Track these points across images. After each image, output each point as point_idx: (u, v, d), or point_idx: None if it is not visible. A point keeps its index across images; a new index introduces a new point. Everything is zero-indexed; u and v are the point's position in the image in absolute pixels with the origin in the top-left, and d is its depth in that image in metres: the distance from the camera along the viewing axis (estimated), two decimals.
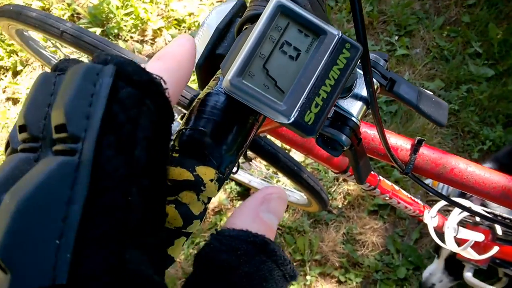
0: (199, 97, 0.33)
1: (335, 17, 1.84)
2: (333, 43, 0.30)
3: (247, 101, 0.30)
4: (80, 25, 1.79)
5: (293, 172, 0.98)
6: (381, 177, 0.87)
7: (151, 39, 1.83)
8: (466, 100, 1.68)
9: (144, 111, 0.21)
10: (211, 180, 0.30)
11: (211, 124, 0.31)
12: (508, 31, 1.74)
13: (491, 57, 1.74)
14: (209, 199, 0.31)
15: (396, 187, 0.93)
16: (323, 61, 0.30)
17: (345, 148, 0.42)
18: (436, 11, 1.85)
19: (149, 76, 0.22)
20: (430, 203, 1.03)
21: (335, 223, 1.59)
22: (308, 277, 1.51)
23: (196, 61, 0.40)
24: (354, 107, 0.43)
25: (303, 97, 0.30)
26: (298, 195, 1.41)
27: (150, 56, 1.79)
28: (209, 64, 0.40)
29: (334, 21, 1.83)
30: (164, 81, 0.23)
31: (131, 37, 1.82)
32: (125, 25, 1.81)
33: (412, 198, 0.97)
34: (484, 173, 0.57)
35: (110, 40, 1.75)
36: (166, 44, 1.80)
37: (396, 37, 1.81)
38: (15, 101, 1.74)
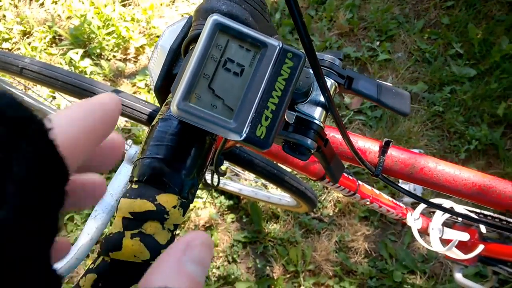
0: (152, 123, 0.33)
1: (316, 26, 1.85)
2: (275, 55, 0.30)
3: (198, 123, 0.29)
4: (62, 47, 1.80)
5: (274, 176, 0.97)
6: (360, 182, 0.87)
7: (133, 57, 1.83)
8: (450, 101, 1.69)
9: (17, 156, 0.16)
10: (174, 207, 0.30)
11: (167, 150, 0.31)
12: (487, 31, 1.75)
13: (472, 57, 1.75)
14: (176, 225, 0.30)
15: (377, 191, 0.92)
16: (267, 73, 0.30)
17: (312, 151, 0.42)
18: (416, 14, 1.87)
19: (27, 113, 0.18)
20: (415, 206, 1.03)
21: (327, 231, 1.58)
22: None
23: (154, 83, 0.40)
24: (315, 110, 0.43)
25: (252, 112, 0.29)
26: (288, 198, 1.40)
27: (133, 74, 1.79)
28: (166, 85, 0.39)
29: (315, 30, 1.84)
30: (50, 121, 0.18)
31: (114, 56, 1.82)
32: (107, 45, 1.81)
33: (394, 201, 0.96)
34: (454, 171, 0.56)
35: (92, 60, 1.76)
36: (149, 61, 1.80)
37: (378, 43, 1.82)
38: None
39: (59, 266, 0.34)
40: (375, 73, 1.76)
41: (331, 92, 0.44)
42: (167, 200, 0.30)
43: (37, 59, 0.83)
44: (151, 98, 1.71)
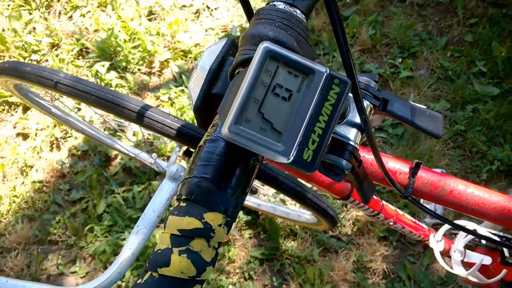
0: (199, 144, 0.34)
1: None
2: (322, 81, 0.31)
3: (247, 146, 0.30)
4: (89, 59, 1.85)
5: (297, 193, 0.97)
6: (384, 202, 0.87)
7: (158, 71, 1.87)
8: (472, 120, 1.67)
9: None
10: (220, 225, 0.31)
11: (214, 170, 0.32)
12: (511, 49, 1.74)
13: (496, 76, 1.73)
14: (219, 243, 0.32)
15: (400, 212, 0.91)
16: (315, 98, 0.31)
17: (347, 172, 0.42)
18: (439, 31, 1.87)
19: None
20: (437, 227, 1.02)
21: (345, 250, 1.57)
22: None
23: (194, 103, 0.41)
24: (350, 132, 0.44)
25: (299, 136, 0.30)
26: (308, 215, 1.40)
27: (157, 88, 1.82)
28: (206, 104, 0.41)
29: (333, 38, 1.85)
30: None
31: (139, 69, 1.85)
32: (132, 58, 1.85)
33: (417, 222, 0.95)
34: (483, 194, 0.56)
35: (118, 73, 1.79)
36: (173, 75, 1.83)
37: (400, 59, 1.82)
38: (25, 137, 1.78)
39: (102, 279, 0.35)
40: (397, 90, 1.75)
41: (367, 114, 0.45)
42: (214, 218, 0.31)
43: (70, 74, 0.85)
44: (174, 111, 1.74)
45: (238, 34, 1.90)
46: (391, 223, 0.92)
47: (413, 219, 0.99)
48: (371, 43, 1.83)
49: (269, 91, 0.31)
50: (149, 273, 0.30)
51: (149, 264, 0.30)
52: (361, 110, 0.38)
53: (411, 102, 0.47)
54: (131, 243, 0.36)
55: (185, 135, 0.82)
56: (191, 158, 0.34)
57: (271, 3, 0.37)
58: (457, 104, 1.72)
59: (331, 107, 0.30)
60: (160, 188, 0.39)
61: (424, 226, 1.01)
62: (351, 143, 0.42)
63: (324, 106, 0.30)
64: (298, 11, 0.36)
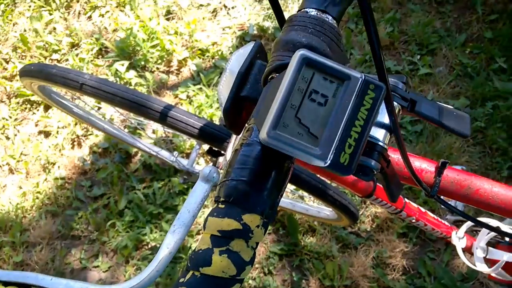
0: (235, 148, 0.35)
1: (356, 39, 1.86)
2: (358, 86, 0.32)
3: (285, 150, 0.31)
4: (108, 59, 1.87)
5: (318, 190, 0.98)
6: (406, 200, 0.87)
7: (176, 70, 1.88)
8: (492, 117, 1.66)
9: None
10: (257, 226, 0.33)
11: (251, 173, 0.33)
12: None
13: None
14: (257, 244, 0.33)
15: (423, 209, 0.92)
16: (351, 103, 0.32)
17: (376, 172, 0.43)
18: (458, 28, 1.85)
19: None
20: (459, 224, 1.02)
21: (364, 247, 1.57)
22: None
23: (223, 105, 0.42)
24: (379, 133, 0.45)
25: (336, 140, 0.31)
26: (328, 211, 1.41)
27: (175, 86, 1.84)
28: (235, 106, 0.42)
29: (355, 43, 1.85)
30: None
31: (157, 68, 1.88)
32: (151, 57, 1.87)
33: (439, 219, 0.95)
34: (509, 193, 0.56)
35: (137, 72, 1.82)
36: (191, 74, 1.85)
37: (418, 56, 1.81)
38: (47, 134, 1.82)
39: (141, 277, 0.37)
40: (415, 87, 1.74)
41: (396, 115, 0.46)
42: (252, 219, 0.32)
43: (95, 76, 0.87)
44: (192, 109, 1.76)
45: (255, 32, 1.91)
46: (413, 221, 0.92)
47: (435, 216, 0.99)
48: (389, 40, 1.82)
49: (305, 97, 0.31)
50: (191, 272, 0.31)
51: (191, 264, 0.32)
52: (391, 112, 0.39)
53: (438, 103, 0.48)
54: (168, 242, 0.37)
55: (208, 134, 0.83)
56: (228, 161, 0.35)
57: (303, 10, 0.38)
58: (477, 101, 1.70)
59: (367, 111, 0.31)
60: (194, 189, 0.40)
61: (446, 223, 1.01)
62: (380, 143, 0.43)
63: (360, 111, 0.31)
64: (330, 17, 0.37)
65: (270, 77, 0.37)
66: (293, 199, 1.55)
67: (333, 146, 0.31)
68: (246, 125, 0.37)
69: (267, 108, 0.32)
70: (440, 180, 0.56)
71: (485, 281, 1.49)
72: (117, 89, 0.82)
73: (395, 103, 0.46)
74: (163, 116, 0.81)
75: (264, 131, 0.31)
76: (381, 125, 0.44)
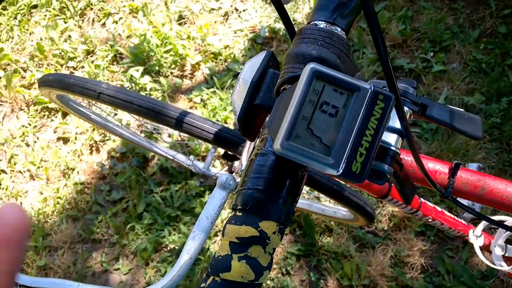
0: (250, 157, 0.37)
1: (368, 38, 1.86)
2: (367, 97, 0.33)
3: (299, 160, 0.33)
4: (123, 65, 1.91)
5: (334, 191, 0.99)
6: (422, 200, 0.87)
7: (190, 74, 1.91)
8: (508, 112, 1.64)
9: None
10: (274, 233, 0.34)
11: (266, 182, 0.35)
12: None
13: None
14: (274, 249, 0.34)
15: (439, 208, 0.92)
16: (361, 114, 0.33)
17: (389, 176, 0.44)
18: (471, 24, 1.83)
19: None
20: (476, 222, 1.01)
21: (382, 246, 1.57)
22: None
23: (237, 114, 0.44)
24: (391, 137, 0.45)
25: (347, 149, 0.32)
26: (344, 211, 1.41)
27: (189, 90, 1.87)
28: (248, 114, 0.43)
29: (367, 42, 1.85)
30: None
31: (171, 73, 1.90)
32: (165, 62, 1.90)
33: (456, 218, 0.95)
34: None
35: (152, 77, 1.85)
36: (204, 77, 1.87)
37: (432, 54, 1.80)
38: (65, 141, 1.86)
39: (164, 282, 0.38)
40: (429, 85, 1.74)
41: (407, 120, 0.47)
42: (268, 226, 0.33)
43: (112, 84, 0.89)
44: (206, 112, 1.78)
45: (267, 34, 1.92)
46: (429, 220, 0.92)
47: (452, 215, 0.99)
48: (401, 38, 1.81)
49: (317, 109, 0.33)
50: (211, 277, 0.33)
51: (211, 269, 0.33)
52: (402, 118, 0.40)
53: (449, 106, 0.48)
54: (189, 248, 0.39)
55: (223, 139, 0.85)
56: (244, 171, 0.36)
57: (312, 23, 0.39)
58: (492, 97, 1.68)
59: (377, 121, 0.32)
60: (212, 196, 0.41)
61: (463, 221, 1.01)
62: (392, 148, 0.44)
63: (370, 121, 0.32)
64: (339, 29, 0.38)
65: (282, 88, 0.38)
66: (310, 199, 1.55)
67: (345, 155, 0.32)
68: (260, 134, 0.38)
69: (280, 119, 0.33)
70: (454, 181, 0.57)
71: (505, 278, 1.48)
72: (133, 97, 0.85)
73: (406, 108, 0.46)
74: (178, 123, 0.83)
75: (278, 142, 0.32)
76: (393, 130, 0.45)
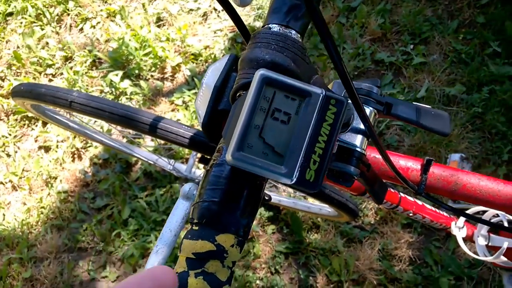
0: (207, 168, 0.36)
1: (348, 33, 1.85)
2: (319, 102, 0.32)
3: (251, 170, 0.32)
4: (102, 70, 1.88)
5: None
6: (402, 194, 0.87)
7: (170, 76, 1.89)
8: (490, 101, 1.65)
9: None
10: (232, 246, 0.33)
11: (222, 194, 0.34)
12: None
13: (511, 55, 1.70)
14: (233, 262, 0.33)
15: (419, 202, 0.92)
16: (313, 120, 0.32)
17: (356, 178, 0.43)
18: (449, 15, 1.84)
19: None
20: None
21: (369, 240, 1.57)
22: None
23: (201, 120, 0.43)
24: (356, 138, 0.45)
25: (300, 157, 0.32)
26: (329, 209, 1.41)
27: (171, 92, 1.85)
28: (213, 120, 0.42)
29: (347, 37, 1.85)
30: None
31: (152, 76, 1.88)
32: (145, 65, 1.88)
33: (437, 211, 0.95)
34: (497, 186, 0.56)
35: (132, 81, 1.83)
36: (185, 79, 1.85)
37: (412, 46, 1.80)
38: (47, 149, 1.83)
39: None
40: (410, 77, 1.74)
41: (371, 120, 0.46)
42: (226, 240, 0.32)
43: (84, 92, 0.88)
44: (189, 114, 1.76)
45: None
46: (410, 214, 0.92)
47: (433, 208, 0.99)
48: (381, 32, 1.81)
49: (268, 116, 0.32)
50: None
51: None
52: (363, 118, 0.39)
53: (415, 103, 0.48)
54: (152, 263, 0.38)
55: (198, 143, 0.84)
56: (200, 183, 0.35)
57: (266, 26, 0.38)
58: (473, 87, 1.69)
59: (329, 126, 0.31)
60: (175, 208, 0.40)
61: (445, 214, 1.01)
62: (358, 149, 0.43)
63: (323, 127, 0.31)
64: (293, 31, 0.37)
65: (238, 94, 0.37)
66: (295, 197, 1.55)
67: (298, 163, 0.31)
68: (218, 143, 0.37)
69: (233, 128, 0.32)
70: (427, 178, 0.57)
71: (492, 266, 1.49)
72: (105, 105, 0.83)
73: (370, 108, 0.46)
74: (152, 128, 0.81)
75: (228, 153, 0.31)
76: (358, 131, 0.44)
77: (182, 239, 0.34)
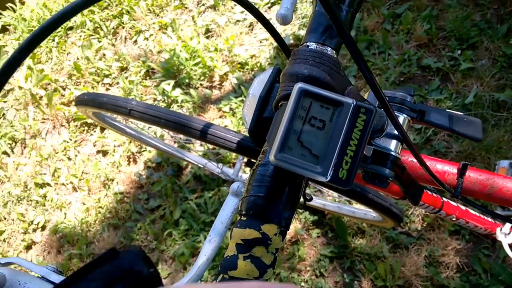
0: (253, 168, 0.41)
1: (393, 40, 1.86)
2: (350, 111, 0.37)
3: (291, 169, 0.37)
4: (155, 79, 1.99)
5: (357, 194, 1.01)
6: (445, 199, 0.88)
7: (218, 84, 1.97)
8: None
9: None
10: (275, 234, 0.38)
11: (266, 190, 0.39)
12: None
13: None
14: (277, 249, 0.39)
15: (463, 207, 0.92)
16: (345, 126, 0.37)
17: (391, 179, 0.47)
18: (499, 19, 1.80)
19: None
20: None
21: (416, 246, 1.57)
22: None
23: (248, 126, 0.48)
24: (391, 143, 0.49)
25: (334, 158, 0.37)
26: (373, 213, 1.42)
27: (219, 100, 1.93)
28: (258, 127, 0.48)
29: (393, 43, 1.85)
30: None
31: (201, 84, 1.97)
32: (194, 74, 1.97)
33: (482, 216, 0.96)
34: None
35: (182, 89, 1.92)
36: (232, 87, 1.93)
37: (459, 51, 1.78)
38: (104, 153, 1.96)
39: (183, 281, 0.43)
40: (458, 83, 1.72)
41: (405, 126, 0.50)
42: (269, 229, 0.37)
43: (142, 101, 0.96)
44: (235, 120, 1.83)
45: (292, 42, 1.96)
46: (453, 219, 0.93)
47: (478, 214, 0.99)
48: (427, 38, 1.81)
49: (306, 123, 0.37)
50: (221, 275, 0.37)
51: (221, 268, 0.38)
52: (396, 125, 0.43)
53: (448, 110, 0.51)
54: (206, 251, 0.44)
55: (245, 148, 0.90)
56: (247, 180, 0.41)
57: (304, 44, 0.43)
58: None
59: (360, 132, 0.36)
60: (225, 203, 0.46)
61: (490, 219, 1.01)
62: (392, 153, 0.47)
63: (354, 132, 0.36)
64: (329, 48, 0.42)
65: (280, 104, 0.42)
66: (340, 202, 1.57)
67: (332, 163, 0.36)
68: (263, 147, 0.42)
69: (275, 133, 0.37)
70: (463, 181, 0.59)
71: None
72: (161, 112, 0.91)
73: (404, 115, 0.49)
74: (203, 134, 0.88)
75: (272, 154, 0.36)
76: (392, 136, 0.48)
77: (232, 228, 0.39)
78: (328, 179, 0.36)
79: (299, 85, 0.37)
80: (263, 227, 0.37)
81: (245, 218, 0.39)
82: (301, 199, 0.59)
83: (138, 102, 0.95)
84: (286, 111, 0.37)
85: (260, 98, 0.48)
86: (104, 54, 2.19)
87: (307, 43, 0.43)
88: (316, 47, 0.42)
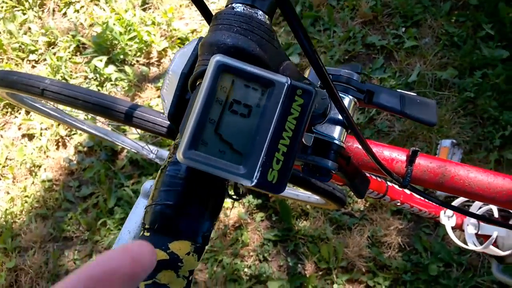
0: (161, 167, 0.32)
1: (338, 16, 1.81)
2: (284, 92, 0.28)
3: (205, 170, 0.28)
4: (86, 55, 1.83)
5: (299, 178, 0.95)
6: (389, 183, 0.84)
7: (156, 61, 1.84)
8: (482, 86, 1.62)
9: None
10: (188, 254, 0.29)
11: (177, 196, 0.30)
12: None
13: (504, 38, 1.67)
14: (191, 271, 0.29)
15: (407, 192, 0.89)
16: (277, 113, 0.28)
17: (334, 172, 0.40)
18: None
19: None
20: (450, 200, 0.99)
21: (359, 227, 1.55)
22: (335, 286, 1.48)
23: (167, 110, 0.39)
24: (335, 130, 0.41)
25: (262, 156, 0.28)
26: (317, 196, 1.38)
27: (157, 78, 1.80)
28: (180, 111, 0.38)
29: (338, 20, 1.80)
30: None
31: (137, 61, 1.83)
32: (130, 50, 1.82)
33: (426, 200, 0.93)
34: (487, 178, 0.53)
35: (116, 66, 1.78)
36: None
37: (403, 29, 1.76)
38: (30, 137, 1.78)
39: None
40: (402, 61, 1.70)
41: (350, 109, 0.42)
42: (180, 247, 0.29)
43: (57, 80, 0.84)
44: None
45: None
46: (398, 204, 0.90)
47: (421, 197, 0.96)
48: (372, 15, 1.77)
49: (226, 109, 0.28)
50: None
51: None
52: (341, 109, 0.36)
53: (399, 91, 0.44)
54: None
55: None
56: (154, 183, 0.31)
57: (229, 6, 0.34)
58: (465, 71, 1.66)
59: (295, 121, 0.28)
60: (135, 207, 0.37)
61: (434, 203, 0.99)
62: (336, 142, 0.40)
63: (288, 121, 0.28)
64: (260, 12, 0.33)
65: (197, 83, 0.33)
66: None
67: (259, 162, 0.27)
68: (175, 140, 0.34)
69: (188, 123, 0.29)
70: (412, 169, 0.53)
71: (481, 253, 1.48)
72: (79, 93, 0.79)
73: (349, 97, 0.42)
74: (128, 117, 0.78)
75: (179, 152, 0.27)
76: (336, 122, 0.40)
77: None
78: (253, 183, 0.27)
79: (216, 57, 0.28)
80: (172, 245, 0.29)
81: (148, 234, 0.29)
82: (234, 196, 0.50)
83: (53, 80, 0.83)
84: (200, 94, 0.28)
85: (182, 75, 0.39)
86: (29, 28, 1.98)
87: (233, 4, 0.33)
88: (244, 9, 0.33)
